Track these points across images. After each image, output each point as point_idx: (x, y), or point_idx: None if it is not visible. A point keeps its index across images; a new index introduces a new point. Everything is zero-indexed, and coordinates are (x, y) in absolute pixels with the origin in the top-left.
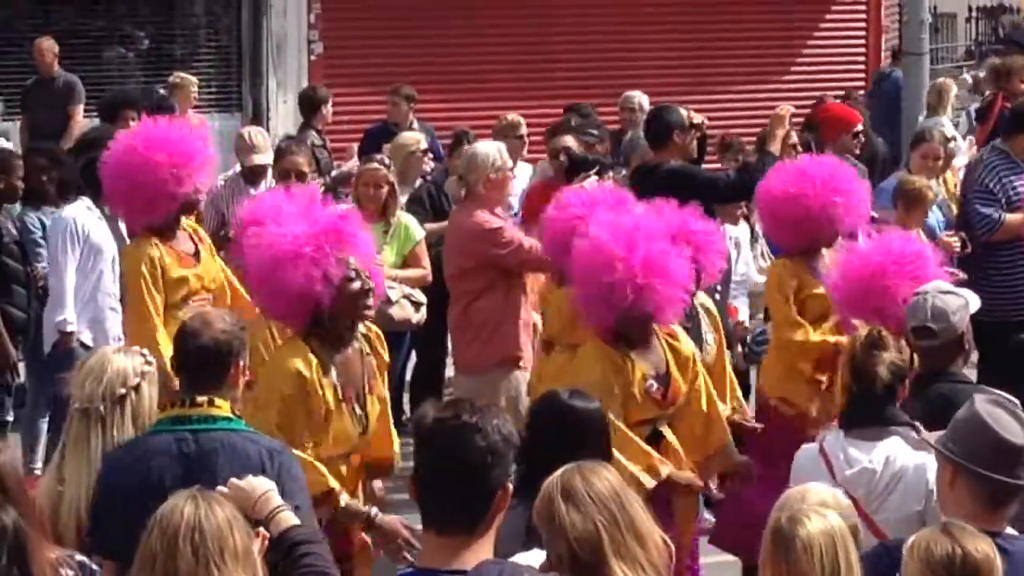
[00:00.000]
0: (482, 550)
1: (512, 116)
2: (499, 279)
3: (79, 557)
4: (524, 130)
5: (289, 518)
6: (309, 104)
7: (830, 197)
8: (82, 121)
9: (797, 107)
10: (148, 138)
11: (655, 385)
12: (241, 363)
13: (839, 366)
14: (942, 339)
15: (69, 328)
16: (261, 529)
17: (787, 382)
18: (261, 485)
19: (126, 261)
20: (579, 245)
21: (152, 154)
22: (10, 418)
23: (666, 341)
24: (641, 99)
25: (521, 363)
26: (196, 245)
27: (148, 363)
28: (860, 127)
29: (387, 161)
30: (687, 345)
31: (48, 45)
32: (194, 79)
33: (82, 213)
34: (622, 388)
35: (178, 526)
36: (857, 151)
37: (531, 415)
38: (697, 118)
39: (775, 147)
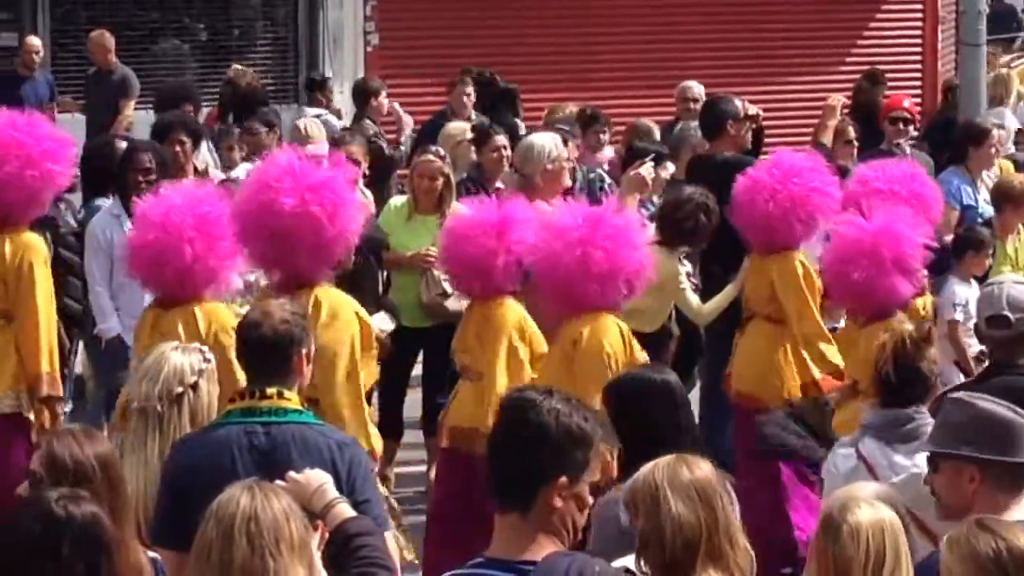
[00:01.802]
0: (547, 541)
1: (571, 108)
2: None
3: (151, 554)
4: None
5: (345, 510)
6: (362, 95)
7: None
8: (131, 115)
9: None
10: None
11: None
12: (305, 351)
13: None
14: (1018, 329)
15: (109, 335)
16: (319, 523)
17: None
18: (317, 478)
19: (30, 252)
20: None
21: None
22: (67, 408)
23: None
24: (698, 90)
25: None
26: None
27: (206, 360)
28: (899, 113)
29: (442, 152)
30: None
31: (102, 39)
32: (251, 71)
33: (105, 222)
34: None
35: (234, 516)
36: (901, 140)
37: (607, 393)
38: (752, 109)
39: (827, 138)
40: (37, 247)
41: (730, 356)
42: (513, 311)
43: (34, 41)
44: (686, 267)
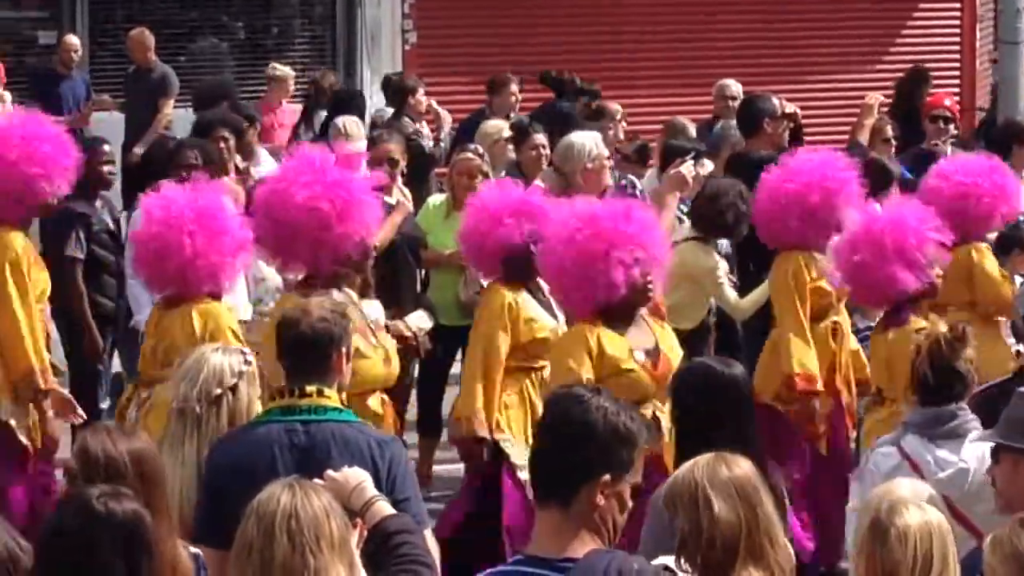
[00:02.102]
0: (588, 539)
1: (615, 105)
2: None
3: (193, 549)
4: (617, 120)
5: (384, 508)
6: (398, 93)
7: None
8: (170, 113)
9: (890, 96)
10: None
11: (642, 355)
12: (344, 350)
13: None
14: None
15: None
16: (358, 520)
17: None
18: (355, 476)
19: None
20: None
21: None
22: (104, 405)
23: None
24: (736, 88)
25: None
26: None
27: (247, 362)
28: (940, 111)
29: (481, 150)
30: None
31: (142, 37)
32: (291, 71)
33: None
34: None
35: (274, 514)
36: (943, 139)
37: (675, 383)
38: (789, 107)
39: (863, 136)
40: (6, 245)
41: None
42: (495, 297)
43: (72, 40)
44: (724, 265)
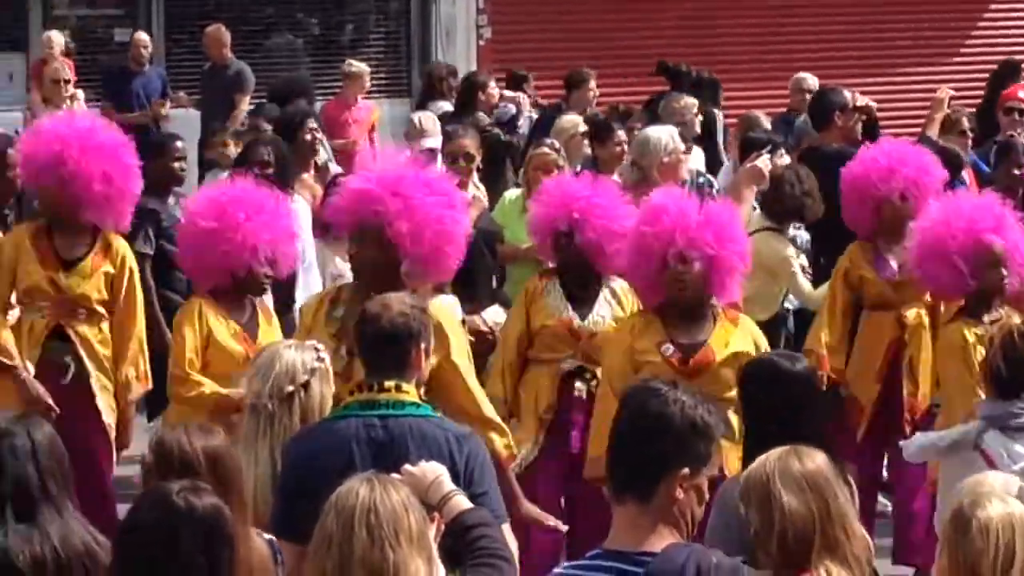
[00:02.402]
0: (666, 533)
1: (686, 99)
2: None
3: (267, 536)
4: (693, 114)
5: (462, 502)
6: (470, 89)
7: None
8: (246, 110)
9: (969, 89)
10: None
11: (670, 348)
12: (423, 345)
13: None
14: None
15: None
16: (436, 515)
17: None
18: (433, 470)
19: None
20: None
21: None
22: None
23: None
24: (812, 81)
25: None
26: None
27: (320, 359)
28: (1014, 103)
29: (557, 145)
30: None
31: (218, 34)
32: (367, 68)
33: None
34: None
35: (353, 508)
36: (1018, 131)
37: (740, 377)
38: (862, 100)
39: (933, 131)
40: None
41: None
42: (525, 284)
43: (143, 36)
44: (800, 259)
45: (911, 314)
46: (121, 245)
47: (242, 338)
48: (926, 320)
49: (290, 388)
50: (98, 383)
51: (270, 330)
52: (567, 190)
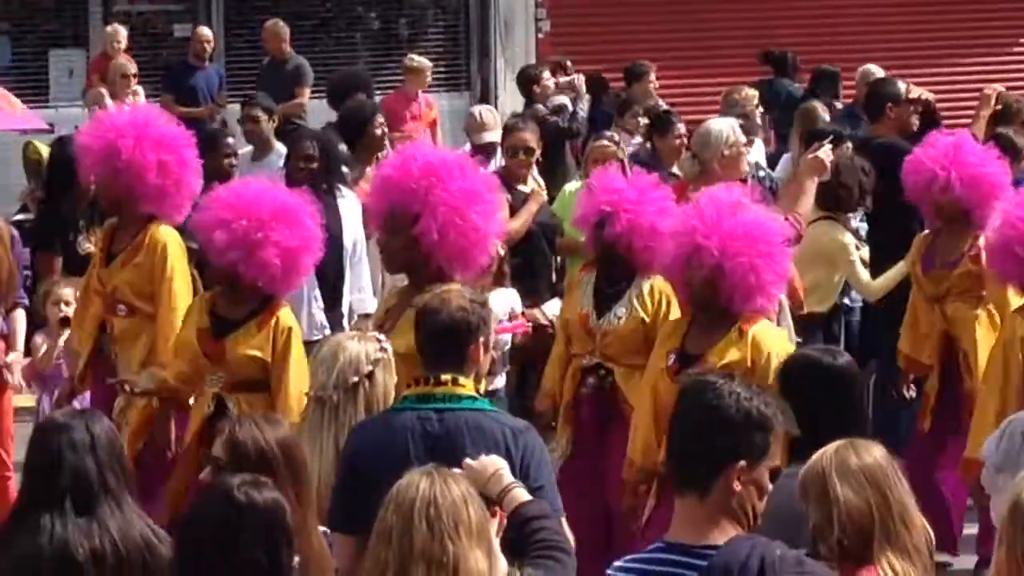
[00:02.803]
0: (728, 526)
1: (747, 90)
2: None
3: (321, 528)
4: (754, 105)
5: (521, 495)
6: (524, 83)
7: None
8: (305, 103)
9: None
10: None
11: (672, 357)
12: (482, 339)
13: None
14: None
15: None
16: (497, 508)
17: None
18: (493, 464)
19: None
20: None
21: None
22: None
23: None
24: (879, 73)
25: None
26: None
27: (383, 349)
28: None
29: (617, 138)
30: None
31: (276, 29)
32: (429, 63)
33: None
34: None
35: (413, 500)
36: None
37: (779, 374)
38: (916, 92)
39: (978, 128)
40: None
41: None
42: None
43: (205, 31)
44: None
45: (950, 308)
46: (160, 237)
47: (205, 335)
48: (981, 314)
49: (355, 379)
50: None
51: (252, 337)
52: (602, 183)
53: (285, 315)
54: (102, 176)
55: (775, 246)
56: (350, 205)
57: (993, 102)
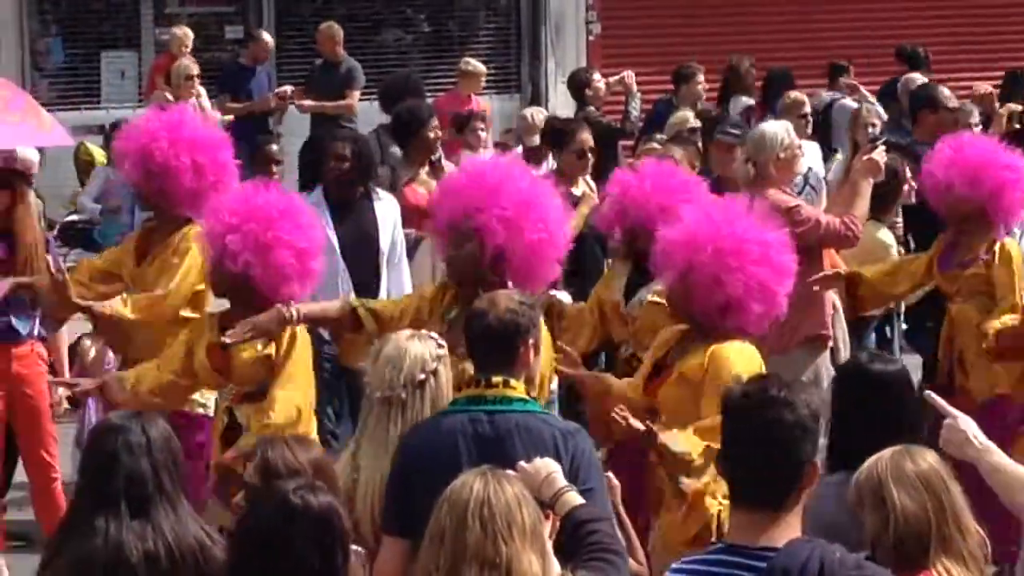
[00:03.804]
0: (789, 528)
1: (796, 94)
2: (801, 258)
3: (357, 548)
4: (808, 108)
5: (574, 498)
6: (576, 86)
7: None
8: (355, 104)
9: None
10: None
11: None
12: (532, 341)
13: None
14: None
15: None
16: (550, 512)
17: None
18: (546, 467)
19: None
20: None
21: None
22: None
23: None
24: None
25: (828, 342)
26: None
27: (440, 346)
28: None
29: (664, 138)
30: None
31: (332, 31)
32: (483, 68)
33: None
34: None
35: (467, 501)
36: None
37: (837, 383)
38: (952, 102)
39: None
40: None
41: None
42: None
43: (267, 37)
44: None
45: (955, 308)
46: (190, 234)
47: (215, 350)
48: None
49: (422, 376)
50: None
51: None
52: (620, 180)
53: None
54: (138, 179)
55: (771, 258)
56: (386, 207)
57: (1004, 123)
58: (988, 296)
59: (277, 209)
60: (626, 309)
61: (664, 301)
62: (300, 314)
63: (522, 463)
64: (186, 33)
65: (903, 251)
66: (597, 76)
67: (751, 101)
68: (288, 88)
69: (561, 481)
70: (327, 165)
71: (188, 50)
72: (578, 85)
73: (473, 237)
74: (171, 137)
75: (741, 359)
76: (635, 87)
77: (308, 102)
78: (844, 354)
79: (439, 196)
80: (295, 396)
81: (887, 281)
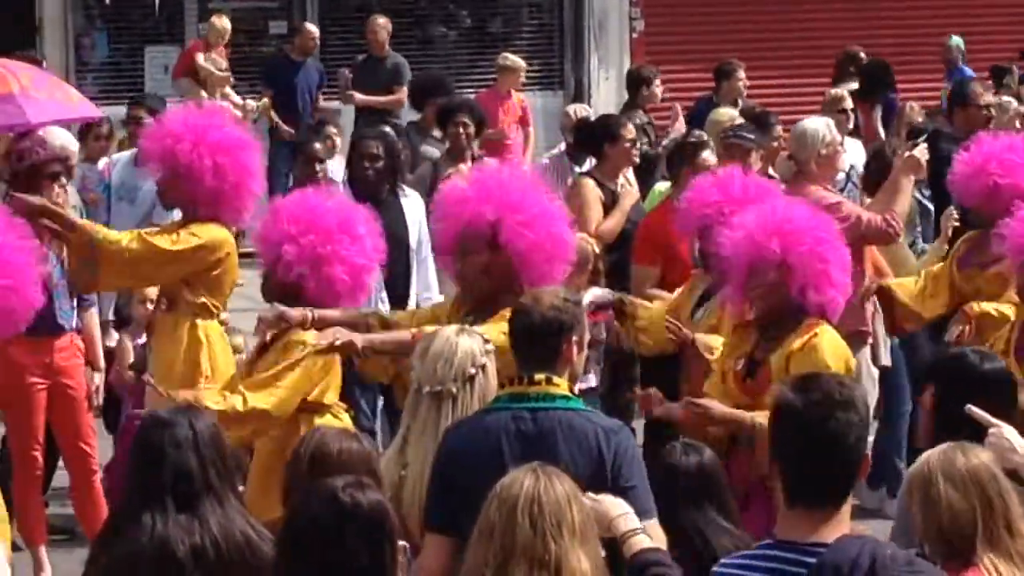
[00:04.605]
0: (840, 523)
1: (836, 90)
2: None
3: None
4: (849, 104)
5: (642, 541)
6: (634, 83)
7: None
8: (405, 100)
9: None
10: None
11: (740, 363)
12: (575, 338)
13: None
14: None
15: None
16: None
17: None
18: (618, 506)
19: None
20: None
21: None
22: None
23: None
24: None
25: (868, 338)
26: None
27: (487, 341)
28: None
29: (707, 138)
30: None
31: (381, 24)
32: (523, 63)
33: None
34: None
35: (517, 497)
36: None
37: (935, 375)
38: (986, 98)
39: None
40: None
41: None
42: None
43: (312, 28)
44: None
45: (974, 307)
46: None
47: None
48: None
49: (472, 370)
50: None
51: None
52: (698, 194)
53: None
54: (161, 178)
55: (833, 237)
56: (414, 204)
57: None
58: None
59: (337, 221)
60: (694, 320)
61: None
62: (317, 317)
63: (591, 494)
64: (225, 25)
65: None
66: (658, 81)
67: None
68: (347, 72)
69: (632, 522)
70: (358, 164)
71: (224, 42)
72: (636, 82)
73: (481, 249)
74: (195, 138)
75: (836, 352)
76: (680, 121)
77: (359, 95)
78: (883, 351)
79: (440, 211)
80: (275, 397)
81: (918, 302)
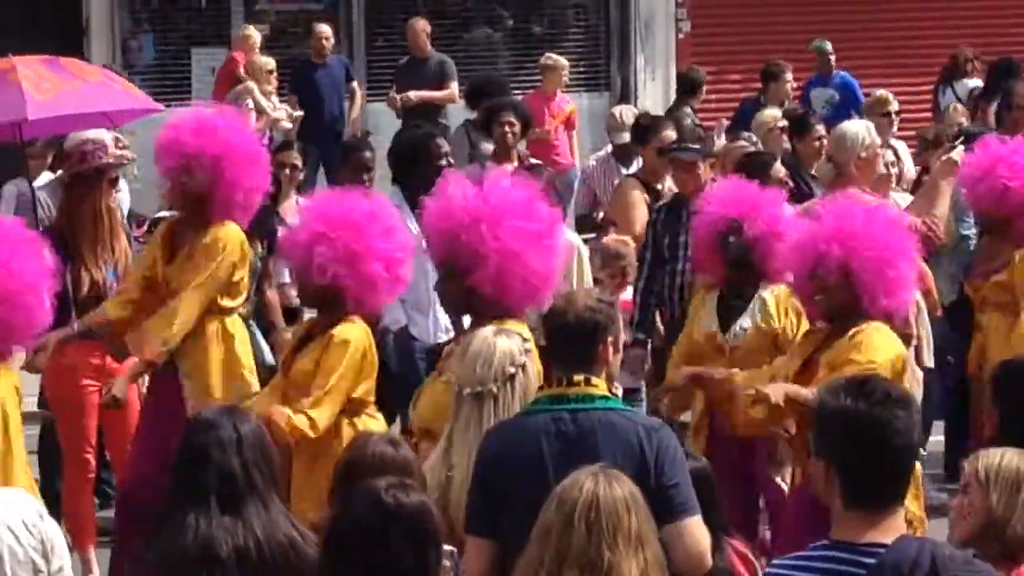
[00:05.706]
0: (896, 523)
1: (880, 92)
2: None
3: (447, 547)
4: (893, 107)
5: None
6: (685, 85)
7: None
8: (456, 96)
9: None
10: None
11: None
12: (610, 339)
13: None
14: None
15: (395, 327)
16: None
17: None
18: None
19: None
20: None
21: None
22: None
23: None
24: None
25: (912, 340)
26: None
27: (526, 340)
28: None
29: (754, 139)
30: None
31: (422, 25)
32: (565, 62)
33: None
34: None
35: (576, 501)
36: None
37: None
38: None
39: None
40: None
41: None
42: None
43: (323, 28)
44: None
45: (985, 318)
46: (224, 234)
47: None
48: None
49: (511, 370)
50: (182, 371)
51: (313, 350)
52: (723, 193)
53: (345, 329)
54: (168, 179)
55: (901, 241)
56: None
57: None
58: (1013, 307)
59: (365, 215)
60: (724, 339)
61: (770, 325)
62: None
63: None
64: (247, 33)
65: None
66: (704, 88)
67: (979, 83)
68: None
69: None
70: (433, 164)
71: (257, 48)
72: (690, 84)
73: (463, 274)
74: (203, 143)
75: (885, 346)
76: (722, 134)
77: (412, 93)
78: (926, 353)
79: (425, 229)
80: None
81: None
